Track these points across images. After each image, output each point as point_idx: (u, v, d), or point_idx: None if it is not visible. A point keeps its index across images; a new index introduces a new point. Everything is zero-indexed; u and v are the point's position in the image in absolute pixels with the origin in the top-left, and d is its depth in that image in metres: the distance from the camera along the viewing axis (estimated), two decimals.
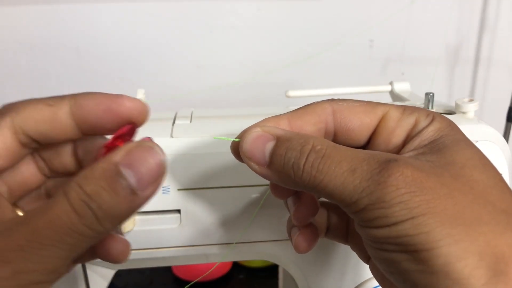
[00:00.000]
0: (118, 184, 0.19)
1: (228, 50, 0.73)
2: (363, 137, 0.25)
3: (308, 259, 0.35)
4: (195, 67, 0.73)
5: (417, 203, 0.19)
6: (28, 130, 0.22)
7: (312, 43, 0.73)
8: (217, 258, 0.35)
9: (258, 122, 0.25)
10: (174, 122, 0.36)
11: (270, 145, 0.23)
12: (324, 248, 0.35)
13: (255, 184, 0.33)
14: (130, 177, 0.19)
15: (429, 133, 0.23)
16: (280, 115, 0.25)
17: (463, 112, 0.37)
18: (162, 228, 0.33)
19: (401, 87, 0.46)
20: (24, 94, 0.71)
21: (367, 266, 0.30)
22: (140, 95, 0.39)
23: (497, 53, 0.78)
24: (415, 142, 0.23)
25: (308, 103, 0.26)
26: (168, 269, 0.72)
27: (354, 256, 0.35)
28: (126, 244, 0.24)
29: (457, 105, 0.37)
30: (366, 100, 0.26)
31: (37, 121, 0.22)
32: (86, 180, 0.19)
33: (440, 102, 0.41)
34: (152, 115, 0.39)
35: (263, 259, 0.36)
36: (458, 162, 0.21)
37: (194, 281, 0.39)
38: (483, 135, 0.34)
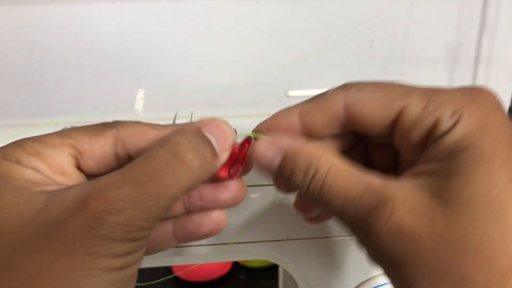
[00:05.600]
0: (204, 145, 0.22)
1: (228, 50, 0.73)
2: (380, 132, 0.23)
3: (308, 259, 0.35)
4: (195, 67, 0.73)
5: (397, 255, 0.19)
6: (129, 144, 0.23)
7: (312, 43, 0.73)
8: (217, 258, 0.35)
9: (270, 117, 0.25)
10: (174, 122, 0.36)
11: (277, 160, 0.23)
12: (324, 248, 0.35)
13: (255, 184, 0.33)
14: (212, 140, 0.22)
15: (450, 142, 0.19)
16: (291, 108, 0.25)
17: None
18: None
19: None
20: (24, 94, 0.71)
21: (368, 266, 0.30)
22: (140, 95, 0.39)
23: (497, 53, 0.78)
24: (433, 152, 0.20)
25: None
26: (168, 269, 0.72)
27: (354, 256, 0.35)
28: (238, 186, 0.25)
29: None
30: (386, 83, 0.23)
31: (140, 139, 0.23)
32: (180, 137, 0.21)
33: None
34: (152, 115, 0.39)
35: (263, 259, 0.36)
36: (462, 200, 0.18)
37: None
38: None
